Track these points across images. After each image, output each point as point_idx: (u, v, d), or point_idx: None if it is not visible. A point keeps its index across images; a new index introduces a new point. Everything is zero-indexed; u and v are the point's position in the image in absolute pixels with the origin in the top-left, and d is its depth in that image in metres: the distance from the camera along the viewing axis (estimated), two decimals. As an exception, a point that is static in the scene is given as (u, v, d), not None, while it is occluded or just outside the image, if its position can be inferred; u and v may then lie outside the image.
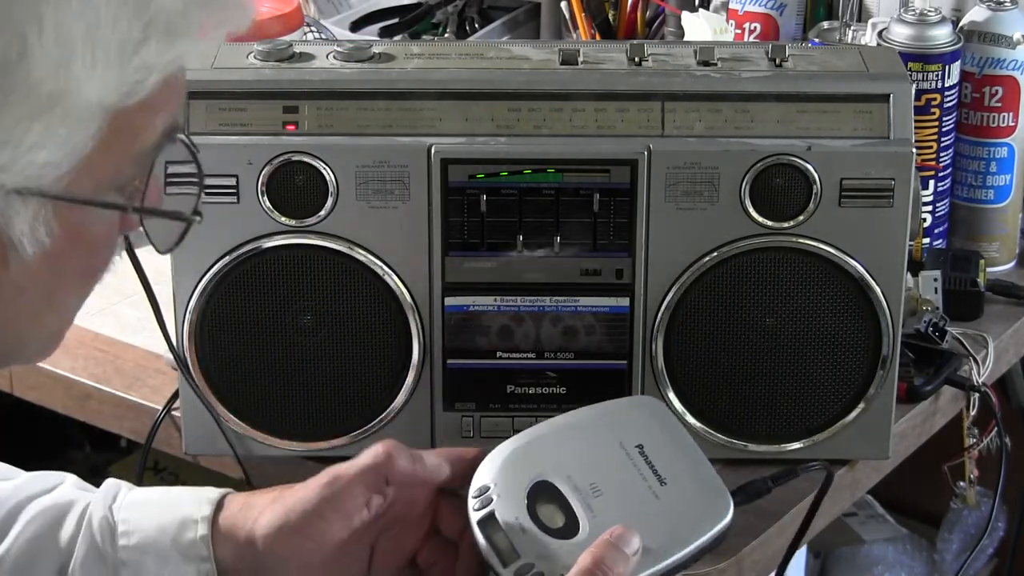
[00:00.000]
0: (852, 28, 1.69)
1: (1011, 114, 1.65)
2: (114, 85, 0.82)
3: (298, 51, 1.38)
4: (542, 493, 1.16)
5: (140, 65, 0.82)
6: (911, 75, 1.54)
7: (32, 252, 0.84)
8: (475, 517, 1.16)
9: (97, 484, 2.13)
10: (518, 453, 1.18)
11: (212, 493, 1.19)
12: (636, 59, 1.37)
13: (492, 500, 1.16)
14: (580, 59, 1.37)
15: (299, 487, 1.16)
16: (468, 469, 1.17)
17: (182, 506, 1.18)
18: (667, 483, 1.16)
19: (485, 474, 1.18)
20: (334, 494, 1.14)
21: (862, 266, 1.34)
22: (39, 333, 0.92)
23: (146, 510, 1.19)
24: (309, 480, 1.17)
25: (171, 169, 0.93)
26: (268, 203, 1.34)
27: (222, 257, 1.35)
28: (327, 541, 1.14)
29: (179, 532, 1.17)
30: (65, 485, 1.23)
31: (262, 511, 1.16)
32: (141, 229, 0.95)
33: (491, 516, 1.15)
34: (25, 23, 0.79)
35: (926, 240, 1.62)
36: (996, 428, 1.58)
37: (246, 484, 1.42)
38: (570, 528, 1.14)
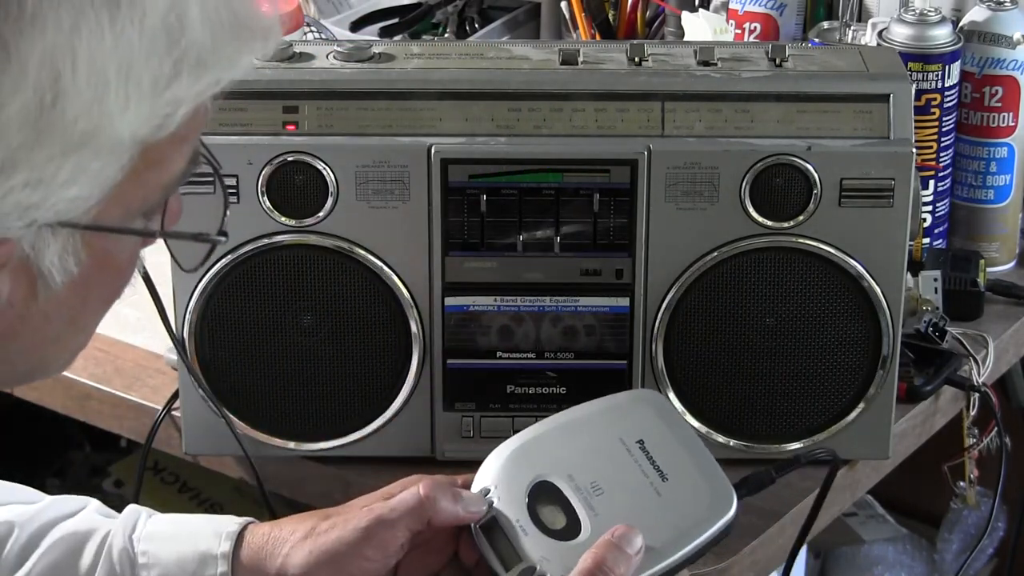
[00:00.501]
0: (852, 28, 1.69)
1: (1011, 114, 1.65)
2: (145, 119, 0.81)
3: (298, 51, 1.38)
4: (543, 494, 1.15)
5: (171, 99, 0.82)
6: (911, 75, 1.54)
7: (61, 282, 0.84)
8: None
9: (98, 484, 2.14)
10: (518, 454, 1.17)
11: (231, 526, 1.18)
12: (636, 59, 1.37)
13: (493, 503, 1.15)
14: (580, 59, 1.37)
15: (335, 523, 1.15)
16: None
17: (201, 540, 1.18)
18: (669, 479, 1.15)
19: (485, 476, 1.17)
20: (377, 536, 1.14)
21: (862, 266, 1.34)
22: (63, 354, 0.93)
23: (166, 543, 1.18)
24: (345, 514, 1.16)
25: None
26: (268, 203, 1.34)
27: (222, 257, 1.35)
28: (367, 572, 1.14)
29: (199, 568, 1.16)
30: (87, 510, 1.22)
31: (293, 547, 1.15)
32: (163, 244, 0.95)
33: (492, 519, 1.15)
34: (59, 60, 0.78)
35: (926, 240, 1.62)
36: (996, 428, 1.58)
37: (255, 484, 1.42)
38: (572, 528, 1.13)
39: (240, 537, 1.18)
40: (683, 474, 1.15)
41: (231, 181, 1.33)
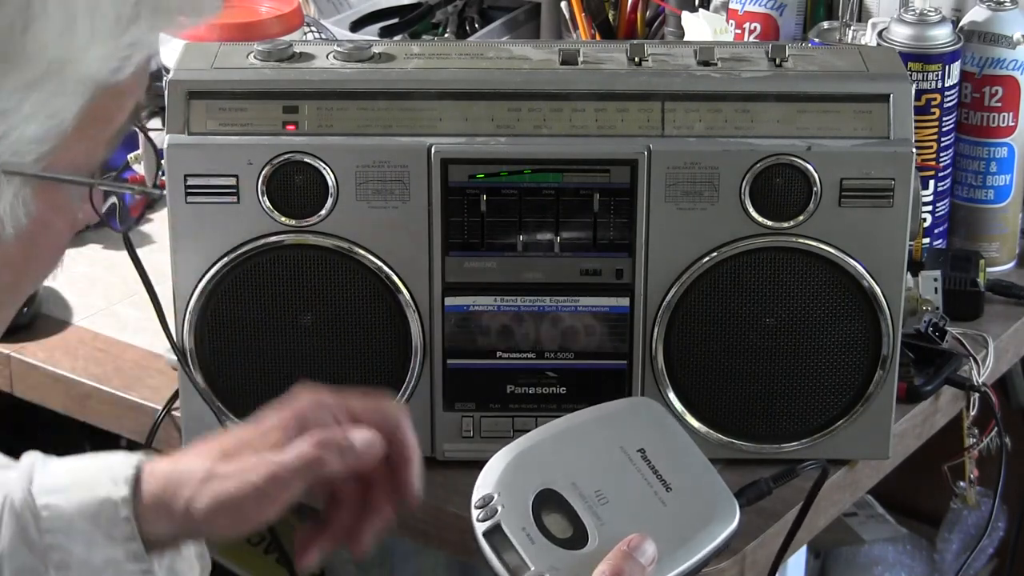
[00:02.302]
0: (852, 28, 1.69)
1: (1011, 114, 1.65)
2: (106, 59, 0.83)
3: (298, 51, 1.38)
4: (547, 502, 1.14)
5: (129, 42, 0.83)
6: (911, 75, 1.54)
7: (12, 232, 0.84)
8: (480, 528, 1.13)
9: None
10: (519, 460, 1.17)
11: (127, 470, 1.15)
12: (636, 59, 1.37)
13: (497, 511, 1.14)
14: (580, 59, 1.37)
15: (233, 472, 1.12)
16: (389, 426, 1.14)
17: (99, 487, 1.15)
18: (672, 488, 1.14)
19: (487, 483, 1.15)
20: (272, 491, 1.11)
21: (862, 266, 1.34)
22: None
23: (66, 494, 1.16)
24: (242, 456, 1.13)
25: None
26: (268, 203, 1.34)
27: (222, 257, 1.35)
28: (265, 520, 1.12)
29: (100, 514, 1.14)
30: None
31: (195, 490, 1.12)
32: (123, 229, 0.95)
33: (497, 527, 1.13)
34: None
35: (926, 240, 1.62)
36: (996, 428, 1.58)
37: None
38: (579, 538, 1.12)
39: (138, 478, 1.15)
40: (686, 484, 1.15)
41: (231, 181, 1.33)
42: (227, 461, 1.14)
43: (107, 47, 0.82)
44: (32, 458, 1.20)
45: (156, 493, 1.15)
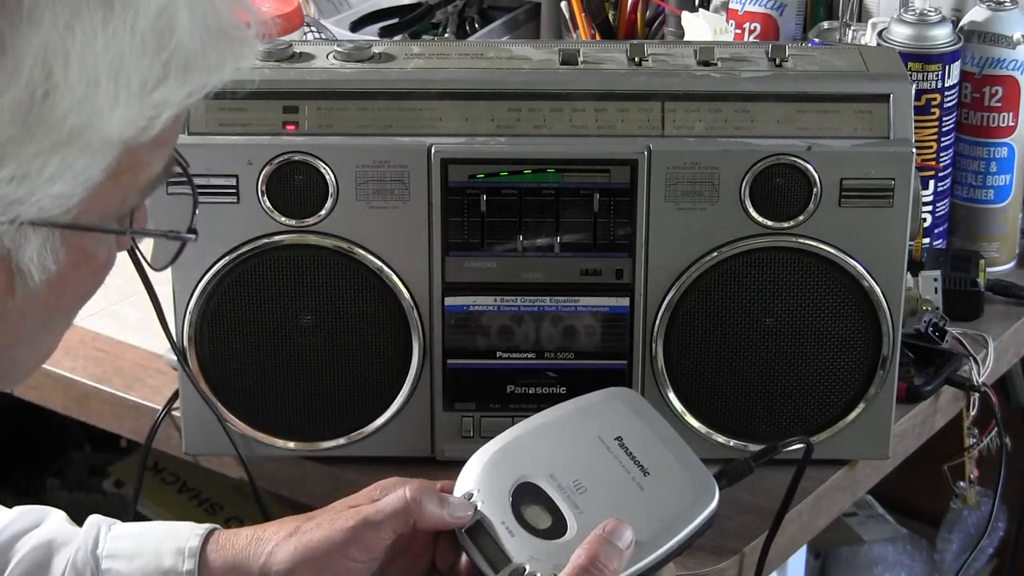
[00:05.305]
0: (852, 28, 1.69)
1: (1011, 114, 1.65)
2: (132, 120, 0.82)
3: (298, 51, 1.38)
4: (526, 494, 1.16)
5: (158, 101, 0.83)
6: (911, 75, 1.54)
7: (39, 279, 0.85)
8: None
9: (98, 484, 2.13)
10: (498, 456, 1.18)
11: (192, 540, 1.18)
12: (636, 59, 1.37)
13: (477, 507, 1.16)
14: (580, 59, 1.37)
15: (320, 523, 1.16)
16: None
17: (165, 557, 1.17)
18: (650, 473, 1.16)
19: (467, 481, 1.17)
20: (362, 537, 1.14)
21: (862, 266, 1.34)
22: (31, 357, 0.93)
23: (130, 562, 1.18)
24: (330, 514, 1.16)
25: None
26: (268, 203, 1.34)
27: (222, 257, 1.35)
28: (352, 570, 1.15)
29: None
30: (53, 520, 1.22)
31: (277, 545, 1.15)
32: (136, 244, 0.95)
33: (477, 523, 1.15)
34: (52, 56, 0.79)
35: (926, 240, 1.62)
36: (996, 428, 1.58)
37: (248, 484, 1.43)
38: (558, 527, 1.14)
39: (204, 549, 1.18)
40: (664, 468, 1.16)
41: (231, 181, 1.33)
42: (315, 519, 1.16)
43: (132, 109, 0.82)
44: (97, 520, 1.21)
45: (233, 555, 1.17)
